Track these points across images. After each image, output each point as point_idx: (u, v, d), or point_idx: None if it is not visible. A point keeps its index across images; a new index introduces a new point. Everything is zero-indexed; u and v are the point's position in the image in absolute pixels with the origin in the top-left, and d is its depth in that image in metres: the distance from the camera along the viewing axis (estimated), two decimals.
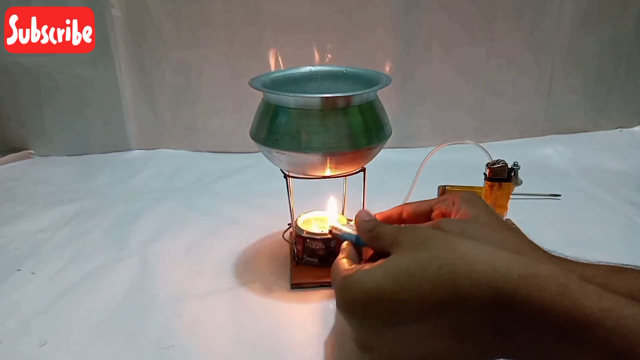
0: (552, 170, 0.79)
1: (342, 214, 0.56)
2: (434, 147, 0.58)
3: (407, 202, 0.54)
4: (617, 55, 0.89)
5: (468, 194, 0.42)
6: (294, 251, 0.53)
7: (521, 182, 0.51)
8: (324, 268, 0.51)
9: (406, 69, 0.86)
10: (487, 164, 0.52)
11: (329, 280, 0.48)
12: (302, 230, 0.52)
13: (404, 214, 0.44)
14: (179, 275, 0.52)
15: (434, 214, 0.43)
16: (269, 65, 0.73)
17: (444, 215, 0.42)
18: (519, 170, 0.52)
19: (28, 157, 0.90)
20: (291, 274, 0.51)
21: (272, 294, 0.49)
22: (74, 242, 0.59)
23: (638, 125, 0.95)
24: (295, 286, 0.49)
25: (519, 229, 0.39)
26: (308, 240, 0.51)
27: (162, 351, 0.41)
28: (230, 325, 0.44)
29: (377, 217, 0.45)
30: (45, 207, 0.69)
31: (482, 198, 0.43)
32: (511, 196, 0.57)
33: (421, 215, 0.44)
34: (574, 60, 0.89)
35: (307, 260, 0.52)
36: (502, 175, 0.52)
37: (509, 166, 0.52)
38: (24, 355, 0.41)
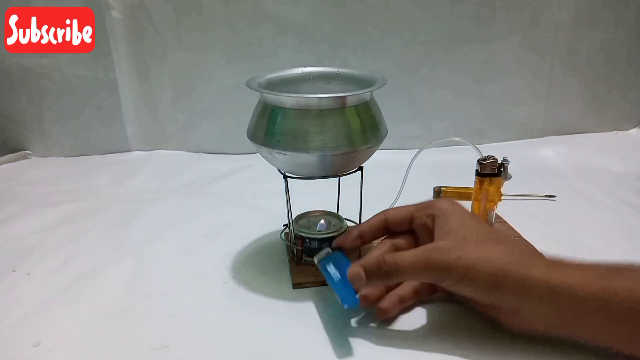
0: (550, 171, 0.80)
1: (337, 212, 0.56)
2: (431, 149, 0.58)
3: (396, 202, 0.54)
4: (616, 57, 0.89)
5: (448, 205, 0.43)
6: (292, 251, 0.53)
7: (510, 177, 0.53)
8: None
9: (404, 70, 0.86)
10: (478, 160, 0.53)
11: None
12: (301, 230, 0.52)
13: (388, 220, 0.46)
14: (174, 275, 0.52)
15: (414, 222, 0.45)
16: (268, 67, 0.74)
17: (425, 227, 0.44)
18: (508, 166, 0.53)
19: (25, 157, 0.90)
20: (291, 274, 0.51)
21: (268, 293, 0.49)
22: (69, 243, 0.59)
23: (635, 127, 0.95)
24: (297, 286, 0.49)
25: (510, 240, 0.41)
26: (307, 240, 0.51)
27: (156, 352, 0.41)
28: (225, 326, 0.44)
29: (363, 227, 0.47)
30: (42, 207, 0.69)
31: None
32: (506, 197, 0.57)
33: (402, 223, 0.46)
34: (572, 62, 0.89)
35: (307, 259, 0.52)
36: (492, 171, 0.53)
37: (499, 162, 0.53)
38: (19, 355, 0.41)
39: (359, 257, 0.53)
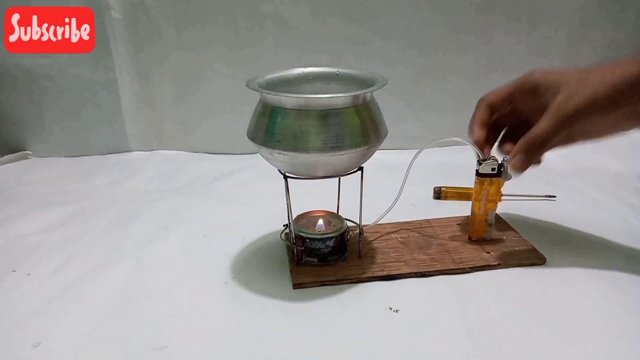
0: (549, 172, 0.79)
1: (337, 212, 0.56)
2: (431, 149, 0.58)
3: (396, 202, 0.54)
4: (616, 57, 0.89)
5: (541, 72, 0.49)
6: (292, 251, 0.53)
7: (510, 177, 0.53)
8: (324, 267, 0.52)
9: (405, 71, 0.86)
10: (478, 160, 0.52)
11: (330, 279, 0.50)
12: (302, 230, 0.52)
13: (491, 103, 0.54)
14: (174, 276, 0.52)
15: (516, 97, 0.52)
16: (268, 67, 0.74)
17: (527, 96, 0.51)
18: (508, 166, 0.53)
19: (25, 157, 0.90)
20: (291, 274, 0.51)
21: (268, 294, 0.49)
22: (69, 243, 0.59)
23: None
24: (297, 286, 0.49)
25: (600, 65, 0.47)
26: (308, 240, 0.51)
27: (156, 352, 0.41)
28: (225, 326, 0.44)
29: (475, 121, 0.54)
30: (42, 208, 0.69)
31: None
32: (506, 197, 0.57)
33: (504, 102, 0.54)
34: (572, 62, 0.89)
35: (307, 260, 0.52)
36: (492, 171, 0.52)
37: (499, 162, 0.52)
38: (18, 356, 0.41)
39: (359, 257, 0.53)
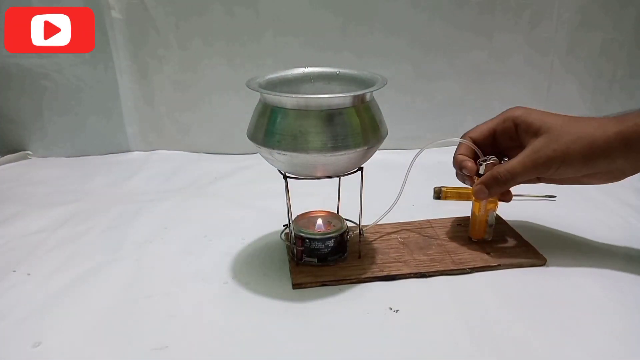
0: None
1: (337, 212, 0.56)
2: (431, 149, 0.58)
3: (396, 203, 0.54)
4: (616, 58, 0.89)
5: (523, 110, 0.51)
6: (292, 251, 0.53)
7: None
8: (324, 267, 0.52)
9: (405, 71, 0.86)
10: (478, 160, 0.52)
11: (329, 279, 0.50)
12: (301, 231, 0.52)
13: (474, 139, 0.53)
14: (173, 276, 0.52)
15: (497, 134, 0.53)
16: (268, 67, 0.74)
17: (508, 134, 0.52)
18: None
19: (25, 157, 0.90)
20: (291, 274, 0.51)
21: (268, 294, 0.49)
22: (69, 243, 0.59)
23: None
24: (297, 286, 0.49)
25: (582, 117, 0.49)
26: (307, 240, 0.51)
27: (156, 352, 0.41)
28: (225, 326, 0.44)
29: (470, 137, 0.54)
30: (42, 208, 0.69)
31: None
32: None
33: (486, 138, 0.53)
34: (572, 62, 0.89)
35: (307, 260, 0.52)
36: None
37: (499, 162, 0.52)
38: (18, 356, 0.41)
39: (359, 257, 0.53)
